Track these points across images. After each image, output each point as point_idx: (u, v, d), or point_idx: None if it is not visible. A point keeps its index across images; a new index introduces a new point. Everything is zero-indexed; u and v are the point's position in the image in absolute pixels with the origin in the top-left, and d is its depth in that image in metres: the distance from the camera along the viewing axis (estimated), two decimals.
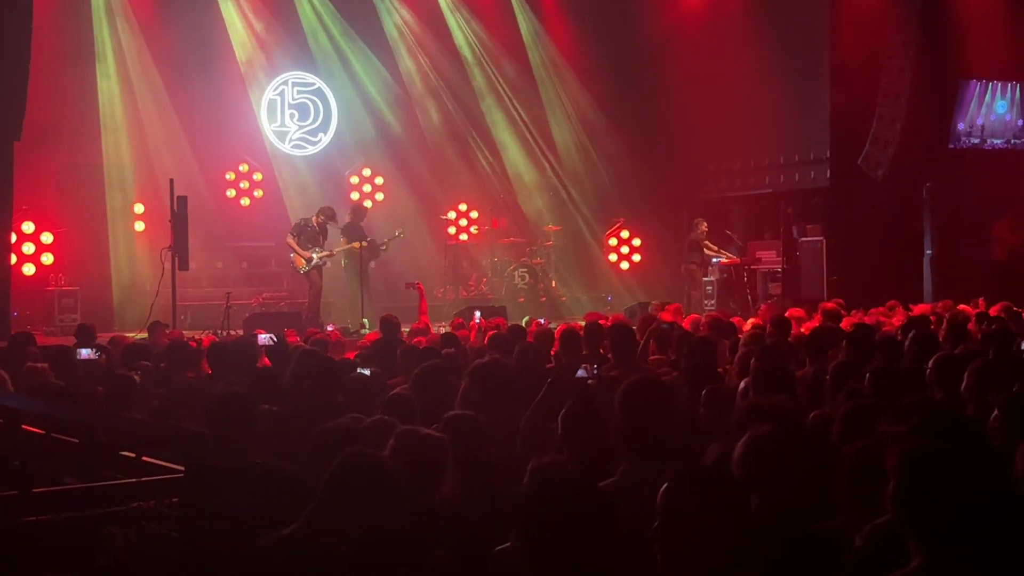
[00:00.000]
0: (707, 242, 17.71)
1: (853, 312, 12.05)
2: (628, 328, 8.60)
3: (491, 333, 9.78)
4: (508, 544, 3.77)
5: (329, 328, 13.16)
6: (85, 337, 9.88)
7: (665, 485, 3.01)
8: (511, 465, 4.65)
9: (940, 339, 8.36)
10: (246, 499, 3.86)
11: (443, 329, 11.90)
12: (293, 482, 4.30)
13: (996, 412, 4.63)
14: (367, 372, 7.09)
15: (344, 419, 4.55)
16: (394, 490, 3.49)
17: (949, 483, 2.99)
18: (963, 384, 5.48)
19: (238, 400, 4.81)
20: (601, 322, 9.83)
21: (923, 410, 4.44)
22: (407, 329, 11.56)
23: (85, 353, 8.16)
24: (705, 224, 17.74)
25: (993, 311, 11.13)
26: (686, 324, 10.59)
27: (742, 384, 6.05)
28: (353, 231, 16.32)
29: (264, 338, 9.14)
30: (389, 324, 10.29)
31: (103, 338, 10.73)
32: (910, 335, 7.63)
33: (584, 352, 8.31)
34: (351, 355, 9.18)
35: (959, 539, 2.94)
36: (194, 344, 9.67)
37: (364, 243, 15.91)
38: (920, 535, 2.97)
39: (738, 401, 5.65)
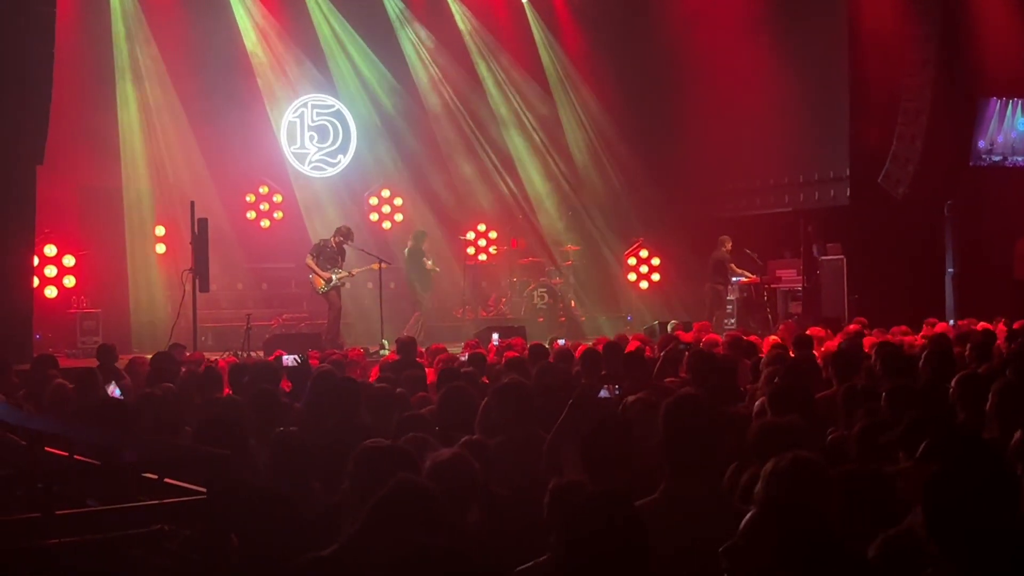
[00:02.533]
0: (732, 264, 17.64)
1: (874, 331, 12.00)
2: (639, 352, 8.60)
3: (509, 355, 9.77)
4: (530, 564, 3.75)
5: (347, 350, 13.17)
6: (107, 358, 9.92)
7: (752, 512, 2.98)
8: (532, 486, 4.63)
9: (967, 358, 8.30)
10: (270, 521, 3.87)
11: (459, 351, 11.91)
12: (283, 503, 4.30)
13: (1019, 434, 4.56)
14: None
15: (386, 441, 4.53)
16: (438, 518, 3.51)
17: (982, 506, 2.99)
18: (988, 404, 5.43)
19: (222, 424, 4.81)
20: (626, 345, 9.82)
21: (936, 432, 4.38)
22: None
23: (117, 392, 8.20)
24: (730, 242, 17.68)
25: (1016, 326, 11.06)
26: (702, 343, 10.57)
27: (757, 404, 6.01)
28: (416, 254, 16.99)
29: (288, 359, 9.19)
30: (406, 346, 10.30)
31: (123, 359, 10.74)
32: (924, 354, 7.59)
33: (603, 372, 8.30)
34: (372, 377, 9.17)
35: (992, 561, 2.93)
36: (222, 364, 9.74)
37: (384, 264, 15.94)
38: (954, 557, 2.98)
39: (754, 421, 5.62)
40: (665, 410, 4.05)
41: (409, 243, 17.49)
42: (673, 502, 3.80)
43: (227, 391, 8.06)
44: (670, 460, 3.93)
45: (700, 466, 3.90)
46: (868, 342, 9.98)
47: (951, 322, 14.73)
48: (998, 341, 10.00)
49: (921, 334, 11.64)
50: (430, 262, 17.27)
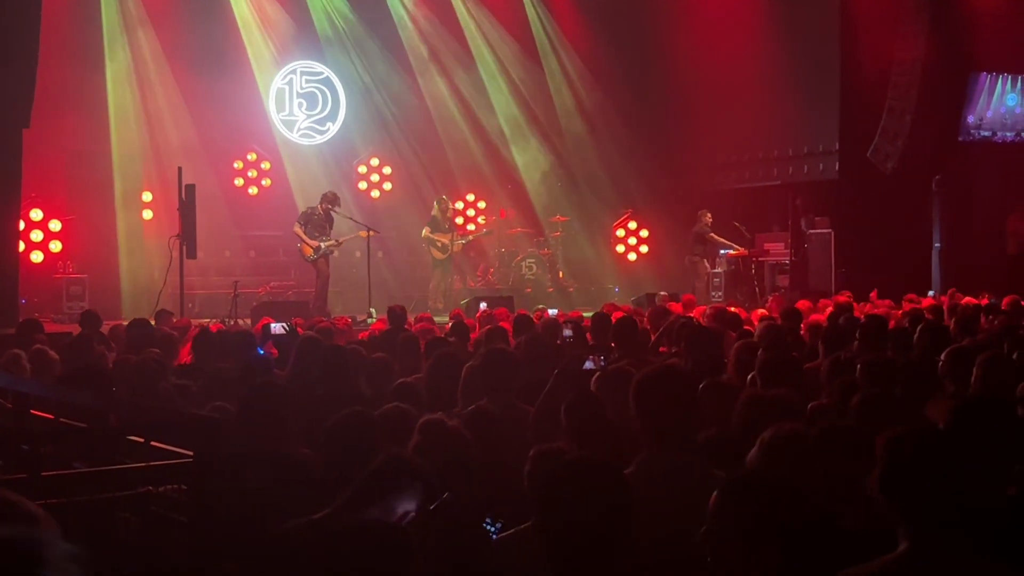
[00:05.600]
0: (712, 234, 17.69)
1: (862, 304, 12.07)
2: (631, 320, 8.60)
3: (488, 326, 9.77)
4: (511, 531, 3.77)
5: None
6: (91, 324, 9.91)
7: (717, 492, 2.98)
8: (519, 456, 4.64)
9: (952, 331, 8.35)
10: (269, 485, 3.89)
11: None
12: (307, 469, 4.33)
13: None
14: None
15: (356, 410, 4.55)
16: (428, 492, 3.55)
17: (935, 467, 2.99)
18: (973, 377, 5.46)
19: (273, 390, 4.83)
20: (615, 314, 9.82)
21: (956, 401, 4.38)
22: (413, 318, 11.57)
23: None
24: (709, 216, 17.74)
25: (1004, 305, 11.13)
26: (695, 315, 10.60)
27: (750, 376, 6.03)
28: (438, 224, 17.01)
29: (277, 327, 9.17)
30: (395, 314, 10.29)
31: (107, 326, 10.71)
32: (919, 327, 7.61)
33: (591, 343, 8.32)
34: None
35: (947, 525, 2.94)
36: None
37: (372, 231, 15.90)
38: (908, 520, 2.98)
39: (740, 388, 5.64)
40: (637, 382, 4.01)
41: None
42: (650, 473, 3.78)
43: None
44: (646, 431, 3.92)
45: (676, 437, 3.86)
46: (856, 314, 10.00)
47: (931, 293, 14.85)
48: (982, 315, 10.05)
49: (902, 310, 11.70)
50: (427, 229, 17.12)
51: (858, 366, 5.76)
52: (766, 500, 2.91)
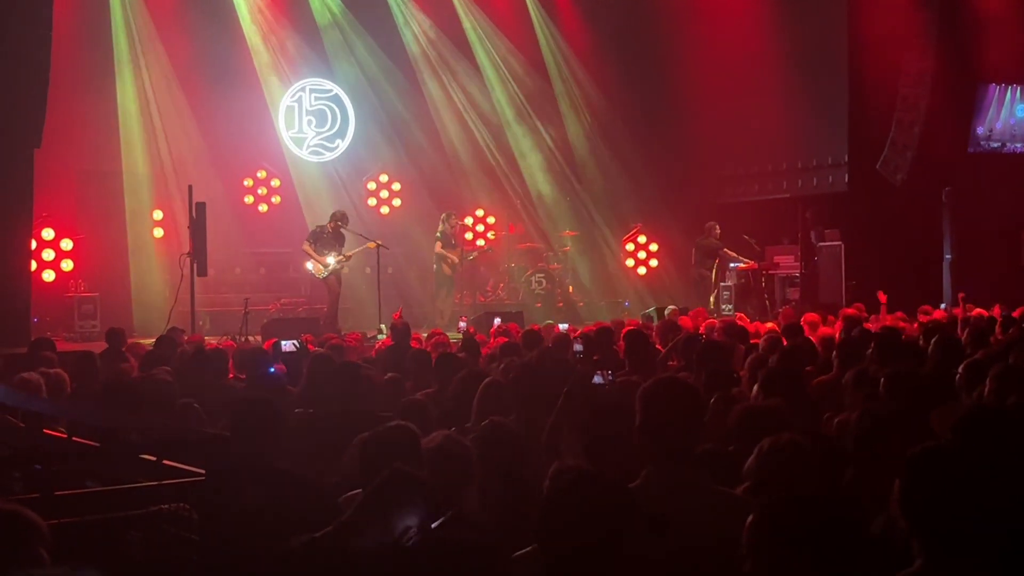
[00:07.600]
0: (725, 249, 17.66)
1: (871, 317, 12.04)
2: (642, 334, 8.59)
3: (502, 340, 9.78)
4: (527, 549, 3.76)
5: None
6: (115, 341, 9.97)
7: (752, 517, 2.91)
8: (535, 471, 4.64)
9: (964, 344, 8.32)
10: (266, 502, 3.87)
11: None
12: (312, 487, 4.32)
13: None
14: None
15: (400, 424, 4.54)
16: (431, 508, 3.54)
17: (956, 486, 2.97)
18: (986, 389, 5.44)
19: (261, 404, 4.82)
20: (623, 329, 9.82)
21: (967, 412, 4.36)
22: (425, 334, 11.58)
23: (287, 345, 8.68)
24: (718, 228, 17.71)
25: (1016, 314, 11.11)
26: (702, 329, 10.59)
27: (755, 389, 6.01)
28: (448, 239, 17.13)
29: (287, 344, 9.21)
30: (398, 331, 10.30)
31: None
32: (933, 340, 7.58)
33: (596, 358, 8.32)
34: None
35: (964, 544, 2.92)
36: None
37: (381, 245, 15.89)
38: (924, 537, 2.96)
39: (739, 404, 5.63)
40: (641, 394, 3.93)
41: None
42: (655, 487, 3.72)
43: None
44: (650, 445, 3.88)
45: (680, 451, 3.80)
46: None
47: (942, 305, 14.80)
48: (997, 327, 10.02)
49: (917, 322, 11.67)
50: (439, 245, 17.17)
51: (881, 380, 5.73)
52: (803, 524, 2.86)
